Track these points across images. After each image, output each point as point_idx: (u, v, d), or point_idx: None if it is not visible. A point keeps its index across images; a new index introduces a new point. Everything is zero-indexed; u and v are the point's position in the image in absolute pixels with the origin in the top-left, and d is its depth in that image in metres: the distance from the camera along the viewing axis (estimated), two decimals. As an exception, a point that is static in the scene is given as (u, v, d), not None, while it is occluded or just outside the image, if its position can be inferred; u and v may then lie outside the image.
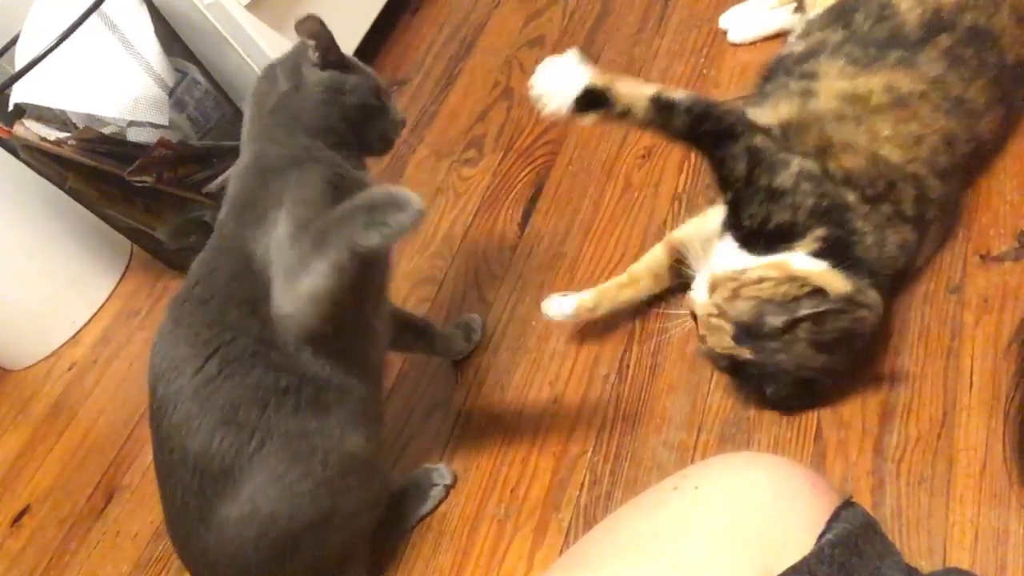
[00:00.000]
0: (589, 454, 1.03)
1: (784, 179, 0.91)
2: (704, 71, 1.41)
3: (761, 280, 0.90)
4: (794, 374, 0.89)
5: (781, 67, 1.08)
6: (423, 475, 1.10)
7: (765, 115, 1.00)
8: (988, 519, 0.77)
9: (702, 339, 0.94)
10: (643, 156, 1.35)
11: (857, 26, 1.03)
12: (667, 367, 1.06)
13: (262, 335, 0.92)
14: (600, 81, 0.91)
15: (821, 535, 0.54)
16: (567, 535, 0.98)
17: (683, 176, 1.28)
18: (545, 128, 1.53)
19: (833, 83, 0.98)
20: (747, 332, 0.89)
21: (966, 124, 0.98)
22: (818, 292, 0.87)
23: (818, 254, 0.90)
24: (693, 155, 1.30)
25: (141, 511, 1.36)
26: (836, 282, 0.88)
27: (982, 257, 0.96)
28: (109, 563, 1.33)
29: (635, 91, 0.92)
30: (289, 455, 0.90)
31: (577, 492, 1.00)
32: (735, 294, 0.90)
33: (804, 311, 0.86)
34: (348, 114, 1.00)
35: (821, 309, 0.85)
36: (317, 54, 0.99)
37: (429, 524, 1.08)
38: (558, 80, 0.91)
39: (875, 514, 0.79)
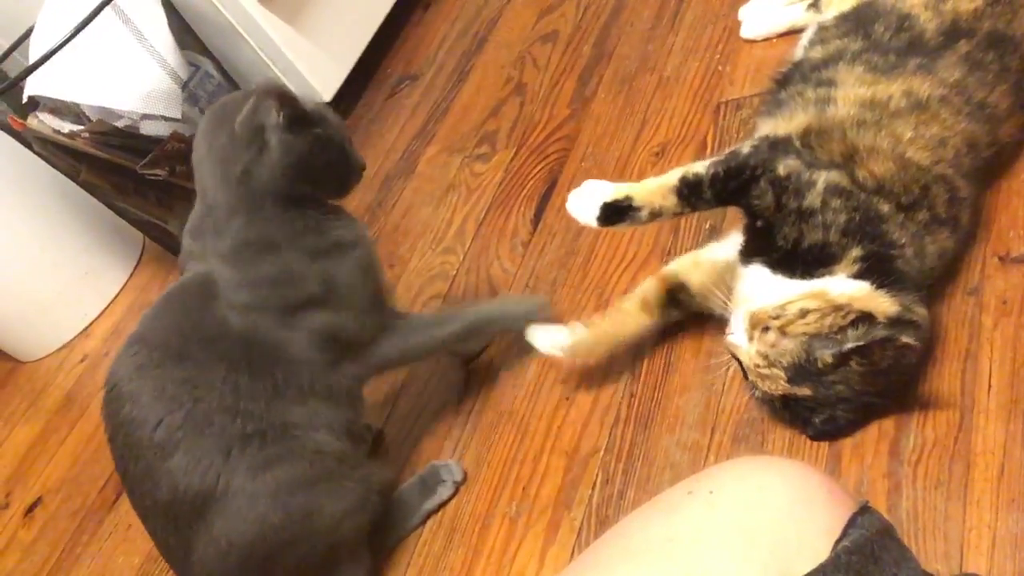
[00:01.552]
0: (601, 453, 1.03)
1: (812, 199, 0.89)
2: (719, 68, 1.40)
3: (804, 313, 0.86)
4: (855, 401, 0.87)
5: (797, 73, 1.06)
6: (430, 472, 1.10)
7: (780, 126, 0.99)
8: (1006, 524, 0.76)
9: (753, 386, 0.91)
10: (657, 153, 1.35)
11: (877, 36, 1.02)
12: (680, 366, 1.05)
13: (250, 391, 0.96)
14: (620, 195, 0.96)
15: (837, 542, 0.54)
16: (579, 534, 0.97)
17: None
18: (558, 124, 1.52)
19: (851, 90, 0.97)
20: (800, 372, 0.86)
21: (988, 128, 0.96)
22: (864, 318, 0.85)
23: (859, 275, 0.88)
24: (708, 152, 1.29)
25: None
26: (881, 303, 0.86)
27: (1001, 259, 0.95)
28: (121, 555, 1.33)
29: (657, 191, 0.96)
30: (254, 490, 0.94)
31: (589, 491, 1.00)
32: (781, 334, 0.87)
33: (850, 344, 0.83)
34: (315, 174, 1.03)
35: (865, 342, 0.83)
36: (282, 117, 0.99)
37: (440, 521, 1.08)
38: (583, 200, 0.98)
39: (891, 518, 0.79)
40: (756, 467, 0.64)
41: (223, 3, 1.67)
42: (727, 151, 0.97)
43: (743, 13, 1.43)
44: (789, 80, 1.07)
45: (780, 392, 0.89)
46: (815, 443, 0.90)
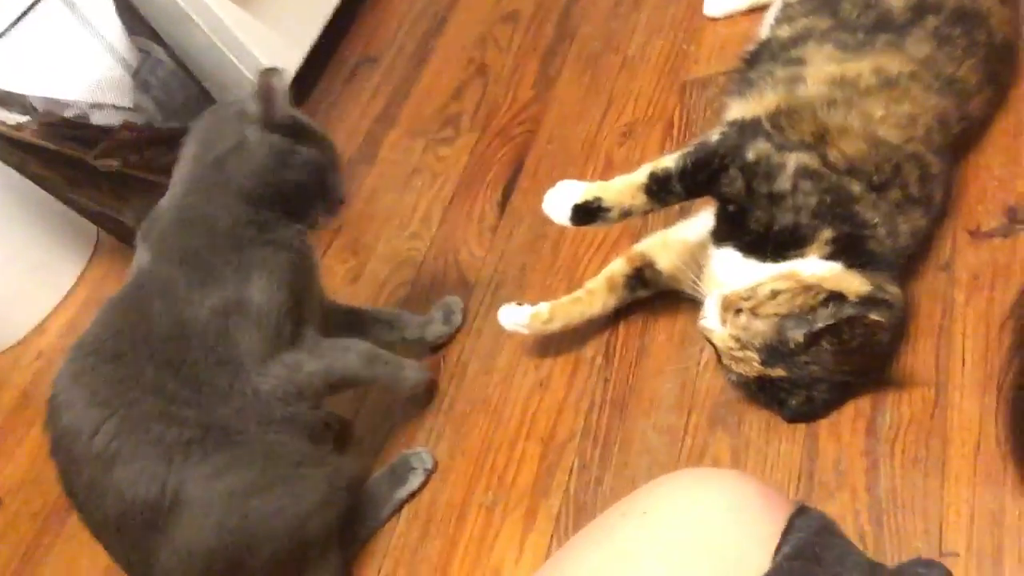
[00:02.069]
0: (577, 439, 1.02)
1: (782, 182, 0.89)
2: (684, 46, 1.39)
3: (775, 294, 0.86)
4: (830, 380, 0.87)
5: (766, 52, 1.06)
6: (401, 460, 1.09)
7: (750, 107, 0.98)
8: (983, 499, 0.77)
9: (727, 369, 0.91)
10: (624, 133, 1.33)
11: (845, 14, 1.01)
12: (654, 349, 1.04)
13: (178, 395, 0.93)
14: (589, 196, 0.96)
15: (777, 549, 0.53)
16: (557, 521, 0.96)
17: (666, 152, 1.23)
18: (523, 106, 1.50)
19: (821, 68, 0.96)
20: (773, 353, 0.86)
21: (957, 103, 0.96)
22: (835, 297, 0.84)
23: (831, 256, 0.88)
24: (675, 131, 1.29)
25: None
26: (852, 283, 0.86)
27: (971, 233, 0.95)
28: (85, 557, 1.29)
29: (627, 191, 0.95)
30: (208, 498, 0.92)
31: (566, 478, 0.99)
32: (752, 315, 0.87)
33: (820, 323, 0.83)
34: (285, 188, 1.00)
35: (834, 320, 0.82)
36: (259, 111, 0.97)
37: (416, 512, 1.06)
38: (555, 200, 0.98)
39: (870, 497, 0.80)
40: (689, 482, 0.63)
41: (173, -14, 1.62)
42: (695, 142, 0.96)
43: None
44: (758, 59, 1.06)
45: (754, 374, 0.88)
46: (791, 425, 0.90)
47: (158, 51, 1.62)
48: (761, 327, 0.86)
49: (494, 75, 1.60)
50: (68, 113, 1.50)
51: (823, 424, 0.88)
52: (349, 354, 1.05)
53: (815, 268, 0.87)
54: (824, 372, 0.86)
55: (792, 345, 0.85)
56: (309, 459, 1.00)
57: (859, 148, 0.91)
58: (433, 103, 1.63)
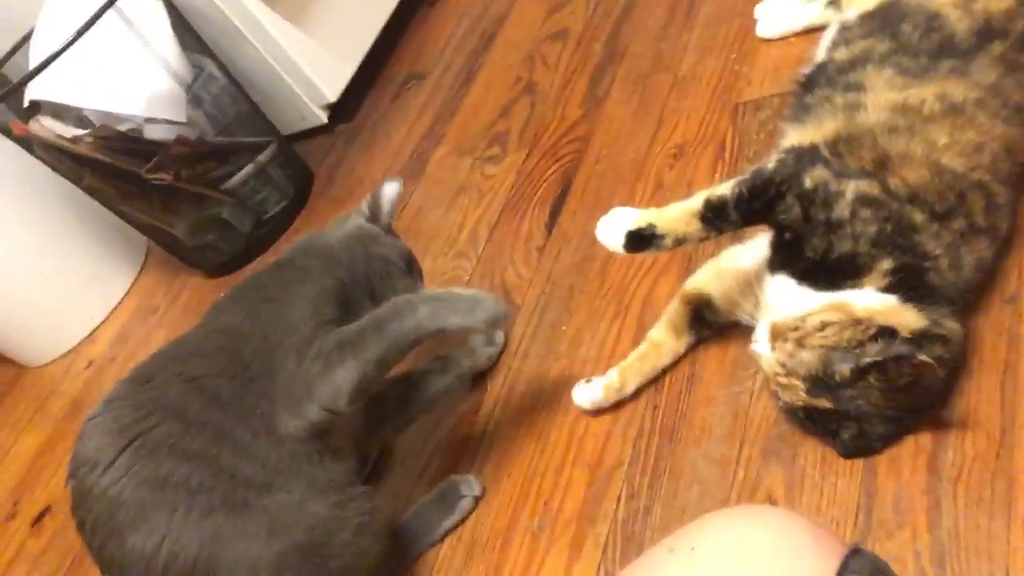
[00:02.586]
0: (625, 466, 1.00)
1: (840, 210, 0.87)
2: (736, 67, 1.37)
3: (824, 326, 0.84)
4: (881, 417, 0.85)
5: (823, 76, 1.03)
6: (449, 487, 1.07)
7: (808, 134, 0.96)
8: (1053, 545, 0.74)
9: (775, 396, 0.90)
10: (674, 155, 1.32)
11: (905, 37, 0.99)
12: (705, 376, 1.03)
13: (198, 417, 0.90)
14: (643, 223, 0.95)
15: None
16: (604, 550, 0.95)
17: (717, 175, 1.24)
18: (571, 125, 1.49)
19: (882, 95, 0.94)
20: (818, 384, 0.85)
21: None
22: (885, 333, 0.82)
23: (888, 288, 0.85)
24: (727, 154, 1.27)
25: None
26: (906, 318, 0.83)
27: (1037, 265, 0.92)
28: (131, 569, 1.31)
29: (681, 218, 0.94)
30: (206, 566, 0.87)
31: (614, 506, 0.97)
32: (798, 345, 0.85)
33: (868, 359, 0.81)
34: (371, 265, 1.05)
35: (882, 357, 0.80)
36: (368, 212, 1.11)
37: (460, 537, 1.05)
38: (609, 227, 0.97)
39: (931, 538, 0.77)
40: (737, 519, 0.62)
41: (226, 4, 1.64)
42: (751, 169, 0.94)
43: (759, 11, 1.40)
44: (814, 83, 1.04)
45: (800, 403, 0.87)
46: (849, 459, 0.88)
47: (211, 66, 1.64)
48: (807, 357, 0.85)
49: (542, 93, 1.59)
50: (123, 127, 1.53)
51: (882, 460, 0.86)
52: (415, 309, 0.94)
53: (868, 300, 0.85)
54: (871, 408, 0.84)
55: (838, 378, 0.83)
56: (336, 521, 0.93)
57: (921, 175, 0.88)
58: (480, 121, 1.63)
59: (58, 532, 1.44)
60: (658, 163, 1.32)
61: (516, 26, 1.80)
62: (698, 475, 0.95)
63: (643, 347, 1.06)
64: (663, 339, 1.05)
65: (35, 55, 1.49)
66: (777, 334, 0.88)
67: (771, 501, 0.89)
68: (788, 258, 0.91)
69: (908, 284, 0.85)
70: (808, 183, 0.89)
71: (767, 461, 0.92)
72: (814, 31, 1.30)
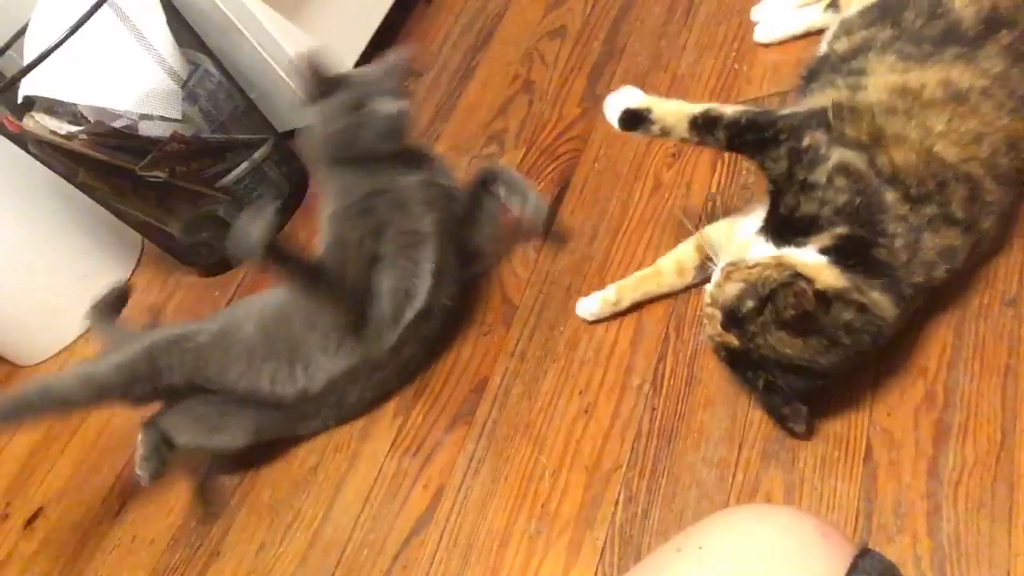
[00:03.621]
0: (623, 469, 0.99)
1: (819, 174, 0.89)
2: (735, 66, 1.37)
3: (754, 266, 0.90)
4: (778, 361, 0.88)
5: (826, 65, 1.03)
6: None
7: (814, 101, 0.96)
8: (1054, 550, 0.74)
9: (704, 327, 0.95)
10: (673, 154, 1.31)
11: (907, 23, 0.98)
12: (704, 378, 1.02)
13: None
14: (642, 105, 1.01)
15: None
16: (602, 554, 0.94)
17: (716, 175, 1.23)
18: (569, 123, 1.49)
19: (883, 77, 0.94)
20: (731, 317, 0.90)
21: None
22: (799, 278, 0.86)
23: (831, 250, 0.88)
24: (727, 153, 1.26)
25: (158, 515, 1.33)
26: (828, 276, 0.86)
27: (1038, 267, 0.92)
28: (125, 570, 1.30)
29: (676, 113, 0.99)
30: None
31: (612, 509, 0.97)
32: (727, 278, 0.91)
33: (767, 290, 0.86)
34: (344, 136, 1.14)
35: (775, 286, 0.85)
36: (304, 92, 1.13)
37: (456, 540, 1.04)
38: (614, 101, 1.04)
39: (931, 542, 0.77)
40: (746, 517, 0.61)
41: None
42: (764, 108, 0.98)
43: (756, 15, 1.39)
44: (817, 73, 1.04)
45: (717, 336, 0.92)
46: (847, 461, 0.87)
47: (207, 63, 1.63)
48: (729, 289, 0.90)
49: (540, 92, 1.59)
50: (118, 123, 1.51)
51: (882, 463, 0.85)
52: None
53: (802, 256, 0.89)
54: (770, 351, 0.87)
55: (744, 310, 0.88)
56: None
57: (909, 159, 0.89)
58: (478, 119, 1.61)
59: (51, 533, 1.43)
60: (656, 163, 1.31)
61: (514, 24, 1.79)
62: (697, 478, 0.94)
63: (647, 270, 1.14)
64: (667, 271, 1.12)
65: (30, 50, 1.47)
66: (724, 271, 0.94)
67: (772, 503, 0.88)
68: (769, 215, 0.95)
69: (852, 253, 0.87)
70: (805, 141, 0.91)
71: (766, 464, 0.91)
72: (814, 34, 1.29)
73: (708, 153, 1.27)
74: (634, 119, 1.00)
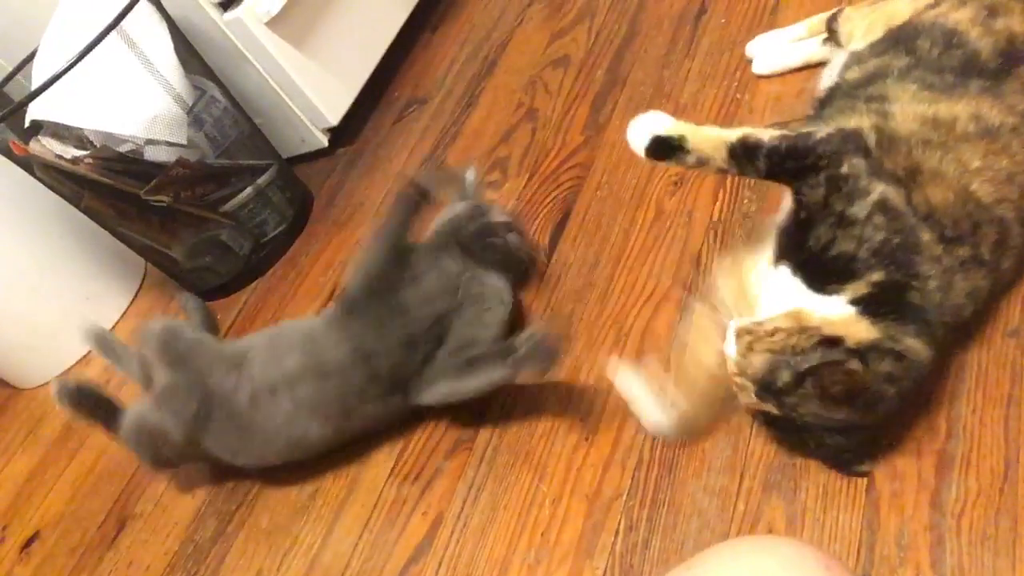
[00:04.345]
0: (624, 498, 0.99)
1: (859, 208, 0.85)
2: (738, 96, 1.37)
3: (774, 332, 0.86)
4: (822, 427, 0.85)
5: (838, 93, 1.02)
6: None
7: (841, 122, 0.93)
8: (1059, 584, 0.73)
9: (738, 396, 0.91)
10: (675, 183, 1.31)
11: (923, 52, 0.97)
12: (706, 407, 1.01)
13: None
14: (675, 132, 0.91)
15: None
16: (602, 584, 0.93)
17: (718, 204, 1.24)
18: (572, 151, 1.49)
19: (909, 106, 0.92)
20: (764, 388, 0.86)
21: None
22: (829, 342, 0.83)
23: (864, 300, 0.85)
24: (729, 182, 1.26)
25: (154, 541, 1.32)
26: (857, 330, 0.83)
27: (1040, 297, 0.92)
28: (120, 595, 1.29)
29: (714, 141, 0.91)
30: None
31: (612, 538, 0.96)
32: (749, 349, 0.87)
33: (805, 365, 0.82)
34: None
35: (816, 364, 0.81)
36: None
37: (455, 569, 1.03)
38: (639, 127, 0.94)
39: (934, 574, 0.76)
40: (748, 549, 0.61)
41: (229, 27, 1.65)
42: (800, 130, 0.91)
43: (751, 49, 1.40)
44: (829, 101, 1.02)
45: (753, 405, 0.89)
46: (850, 492, 0.87)
47: (213, 88, 1.64)
48: (756, 361, 0.86)
49: (543, 119, 1.60)
50: (123, 148, 1.53)
51: (884, 494, 0.85)
52: None
53: (827, 309, 0.85)
54: (813, 418, 0.84)
55: (780, 384, 0.84)
56: None
57: (946, 198, 0.86)
58: (481, 146, 1.62)
59: (47, 558, 1.42)
60: (659, 191, 1.32)
61: (518, 52, 1.81)
62: (698, 507, 0.93)
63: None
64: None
65: (38, 75, 1.49)
66: (740, 335, 0.89)
67: (773, 534, 0.87)
68: (792, 245, 0.90)
69: (886, 299, 0.84)
70: (845, 169, 0.86)
71: (768, 494, 0.90)
72: (812, 67, 1.30)
73: (711, 181, 1.28)
74: (665, 148, 0.92)
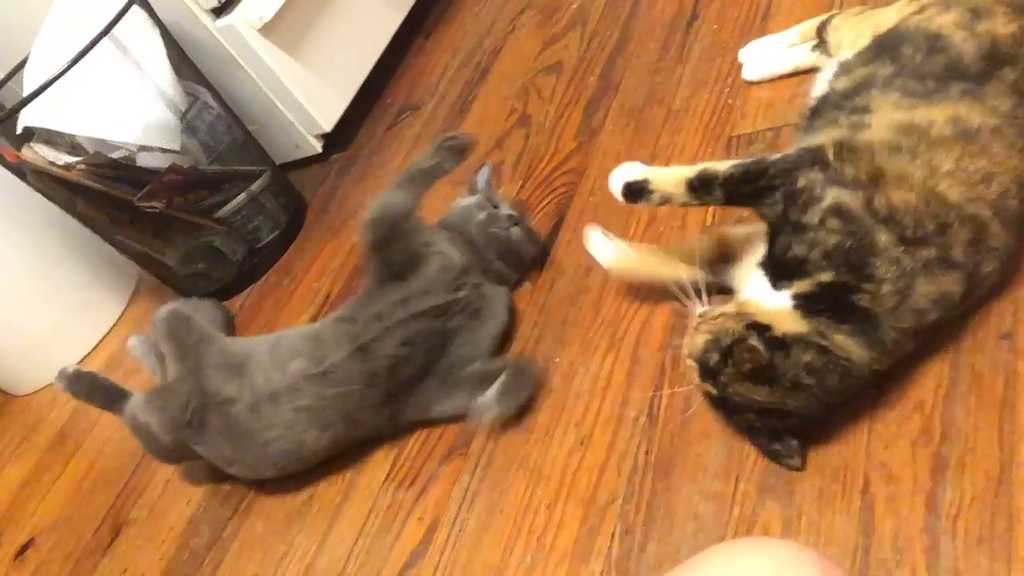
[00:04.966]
0: (620, 502, 0.99)
1: (812, 215, 0.88)
2: (729, 102, 1.38)
3: (718, 316, 0.91)
4: (750, 408, 0.89)
5: (827, 104, 1.03)
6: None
7: (815, 140, 0.96)
8: (1053, 585, 0.73)
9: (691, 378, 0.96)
10: (669, 188, 1.32)
11: (907, 59, 0.98)
12: (701, 410, 1.01)
13: None
14: (640, 176, 1.01)
15: None
16: (598, 588, 0.93)
17: (711, 210, 1.24)
18: (565, 156, 1.50)
19: (887, 115, 0.93)
20: (703, 367, 0.91)
21: None
22: (758, 326, 0.87)
23: (808, 297, 0.88)
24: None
25: (149, 547, 1.32)
26: (788, 321, 0.87)
27: (1032, 301, 0.92)
28: (115, 603, 1.29)
29: (672, 179, 0.99)
30: None
31: (608, 543, 0.96)
32: (696, 330, 0.92)
33: (726, 343, 0.87)
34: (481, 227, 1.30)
35: (730, 341, 0.87)
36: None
37: (451, 572, 1.03)
38: (617, 175, 1.04)
39: (931, 577, 0.76)
40: (744, 551, 0.61)
41: (222, 33, 1.65)
42: (756, 156, 0.96)
43: (743, 55, 1.41)
44: (819, 112, 1.04)
45: (699, 387, 0.94)
46: (845, 494, 0.87)
47: (206, 95, 1.64)
48: (697, 341, 0.92)
49: (536, 125, 1.60)
50: (116, 155, 1.52)
51: (879, 497, 0.85)
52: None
53: (768, 302, 0.90)
54: (741, 397, 0.89)
55: (712, 363, 0.89)
56: None
57: (907, 200, 0.87)
58: (475, 152, 1.62)
59: (41, 564, 1.42)
60: (653, 196, 1.32)
61: (511, 59, 1.81)
62: (693, 511, 0.94)
63: (659, 249, 1.16)
64: (671, 257, 1.12)
65: (30, 82, 1.49)
66: (695, 320, 0.95)
67: (768, 536, 0.87)
68: (767, 252, 0.94)
69: (825, 298, 0.87)
70: (800, 183, 0.90)
71: (763, 498, 0.91)
72: (802, 74, 1.31)
73: (703, 186, 1.28)
74: (635, 191, 1.01)
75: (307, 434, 1.16)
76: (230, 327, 1.60)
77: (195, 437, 1.20)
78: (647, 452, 1.02)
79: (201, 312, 1.60)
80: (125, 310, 1.86)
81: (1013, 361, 0.88)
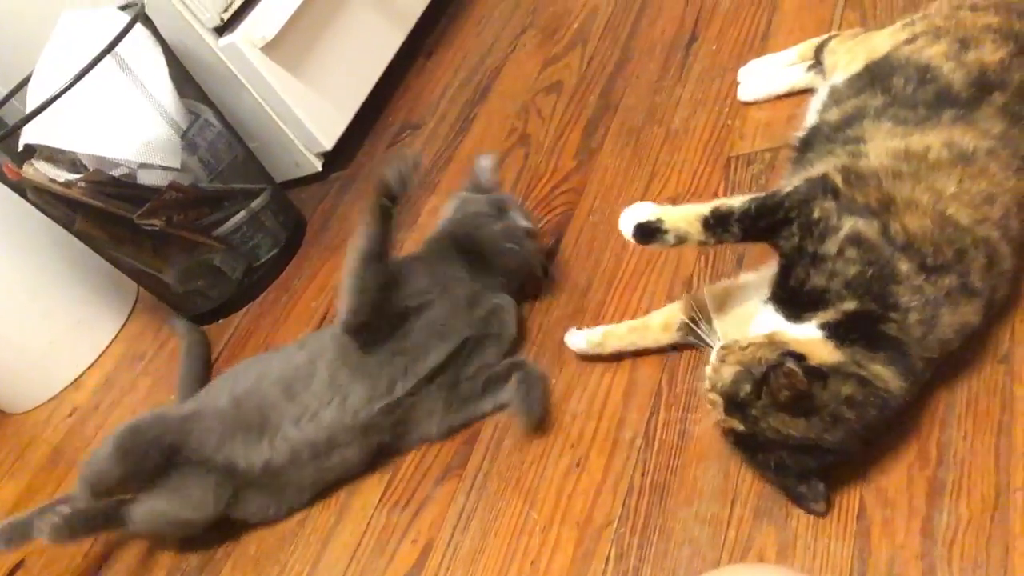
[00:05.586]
0: (615, 525, 0.98)
1: (829, 245, 0.86)
2: (728, 121, 1.38)
3: (748, 347, 0.87)
4: (784, 443, 0.85)
5: (819, 136, 1.03)
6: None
7: (817, 170, 0.95)
8: (1051, 613, 0.72)
9: (711, 413, 0.92)
10: (667, 208, 1.32)
11: (898, 90, 0.98)
12: (697, 433, 1.01)
13: None
14: (652, 216, 0.97)
15: None
16: (592, 612, 0.92)
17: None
18: (564, 175, 1.50)
19: (882, 143, 0.93)
20: (732, 402, 0.87)
21: None
22: (792, 355, 0.83)
23: (835, 326, 0.85)
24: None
25: (141, 571, 1.31)
26: (821, 351, 0.84)
27: (1030, 324, 0.91)
28: (106, 625, 1.27)
29: (686, 218, 0.96)
30: None
31: (603, 566, 0.95)
32: (722, 361, 0.88)
33: (761, 371, 0.84)
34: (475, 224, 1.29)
35: (765, 368, 0.83)
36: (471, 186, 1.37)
37: (444, 595, 1.02)
38: (628, 216, 1.00)
39: (927, 603, 0.75)
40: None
41: (224, 51, 1.66)
42: (770, 191, 0.95)
43: (742, 75, 1.41)
44: (811, 143, 1.03)
45: (722, 422, 0.89)
46: (841, 519, 0.86)
47: (207, 113, 1.65)
48: (725, 373, 0.87)
49: (536, 144, 1.60)
50: (117, 172, 1.53)
51: (875, 521, 0.84)
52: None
53: (798, 332, 0.87)
54: (772, 432, 0.85)
55: (743, 395, 0.85)
56: None
57: (924, 225, 0.86)
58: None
59: (31, 587, 1.41)
60: (651, 216, 1.32)
61: (511, 78, 1.82)
62: (689, 535, 0.93)
63: (637, 321, 1.13)
64: (654, 325, 1.11)
65: (32, 99, 1.49)
66: (719, 353, 0.91)
67: (764, 562, 0.86)
68: (778, 286, 0.92)
69: (857, 329, 0.85)
70: (816, 213, 0.88)
71: (759, 521, 0.90)
72: (798, 94, 1.31)
73: (701, 207, 1.28)
74: (648, 232, 0.97)
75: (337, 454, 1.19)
76: (206, 353, 1.60)
77: (232, 507, 1.20)
78: (643, 474, 1.01)
79: (179, 336, 1.58)
80: (123, 327, 1.85)
81: (1010, 385, 0.87)
